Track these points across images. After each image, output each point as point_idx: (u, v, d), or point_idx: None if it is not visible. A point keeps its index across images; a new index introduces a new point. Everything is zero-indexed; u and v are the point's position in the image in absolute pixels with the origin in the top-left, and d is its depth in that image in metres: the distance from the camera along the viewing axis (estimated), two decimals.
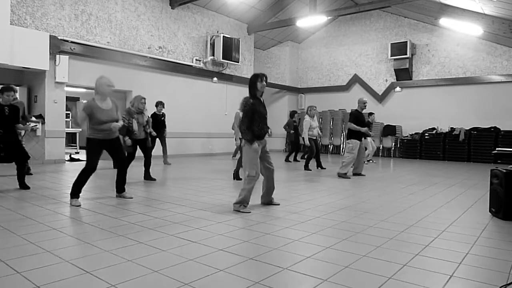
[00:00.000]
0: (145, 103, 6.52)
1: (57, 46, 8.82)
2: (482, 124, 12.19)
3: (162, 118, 9.05)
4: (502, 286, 2.23)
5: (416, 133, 13.38)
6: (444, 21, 11.15)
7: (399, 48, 13.47)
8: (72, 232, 3.27)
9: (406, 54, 13.31)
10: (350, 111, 8.07)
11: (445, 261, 2.69)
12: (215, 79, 12.95)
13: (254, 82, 4.37)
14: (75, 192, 4.49)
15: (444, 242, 3.16)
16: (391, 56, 13.68)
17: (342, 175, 7.37)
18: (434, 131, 12.97)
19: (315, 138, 8.90)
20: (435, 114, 13.22)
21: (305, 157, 9.65)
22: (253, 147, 4.25)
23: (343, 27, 15.51)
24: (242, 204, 4.24)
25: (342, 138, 14.97)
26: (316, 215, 4.13)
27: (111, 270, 2.42)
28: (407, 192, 5.77)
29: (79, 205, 4.37)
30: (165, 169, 8.54)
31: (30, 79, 9.42)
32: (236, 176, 6.91)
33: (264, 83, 4.39)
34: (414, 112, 13.68)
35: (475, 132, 12.08)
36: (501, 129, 11.72)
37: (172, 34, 11.66)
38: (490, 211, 4.25)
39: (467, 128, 12.31)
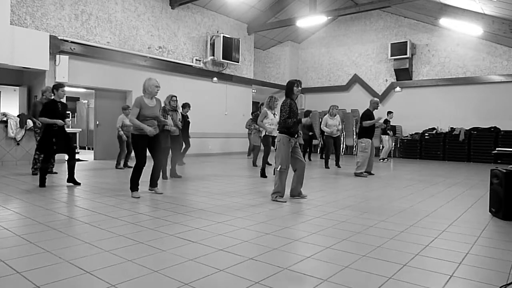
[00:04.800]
0: (176, 100, 6.99)
1: (57, 46, 8.81)
2: (482, 124, 12.19)
3: (188, 119, 9.21)
4: (502, 286, 2.23)
5: (416, 133, 13.38)
6: (444, 21, 11.15)
7: (399, 48, 13.47)
8: (72, 232, 3.27)
9: (406, 54, 13.31)
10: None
11: (445, 261, 2.69)
12: (215, 79, 12.95)
13: (291, 87, 4.90)
14: (133, 187, 4.95)
15: (444, 242, 3.16)
16: (391, 56, 13.69)
17: (359, 174, 7.66)
18: (434, 131, 12.97)
19: (333, 136, 9.41)
20: (435, 114, 13.22)
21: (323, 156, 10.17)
22: (286, 144, 4.80)
23: (343, 27, 15.51)
24: (278, 195, 4.84)
25: (342, 138, 14.97)
26: (316, 215, 4.13)
27: (111, 270, 2.42)
28: (407, 192, 5.77)
29: (138, 197, 4.84)
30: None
31: (30, 79, 9.42)
32: (262, 174, 7.32)
33: (300, 88, 4.94)
34: (414, 112, 13.67)
35: (475, 132, 12.08)
36: (501, 129, 11.72)
37: (172, 34, 11.66)
38: (490, 211, 4.25)
39: (467, 128, 12.31)
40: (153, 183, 5.24)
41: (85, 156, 11.10)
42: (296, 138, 4.96)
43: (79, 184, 5.85)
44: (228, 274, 2.39)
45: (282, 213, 4.20)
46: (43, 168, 5.65)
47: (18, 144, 8.51)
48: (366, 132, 7.76)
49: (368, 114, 7.82)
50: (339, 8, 13.05)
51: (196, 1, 11.48)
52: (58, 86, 5.73)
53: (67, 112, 5.83)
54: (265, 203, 4.70)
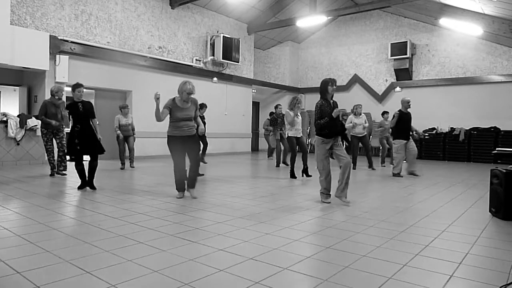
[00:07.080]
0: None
1: (57, 46, 8.81)
2: (482, 124, 12.18)
3: (204, 120, 9.20)
4: (502, 286, 2.23)
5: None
6: (444, 21, 11.15)
7: (399, 48, 13.46)
8: (72, 232, 3.27)
9: (406, 54, 13.30)
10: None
11: (445, 261, 2.69)
12: (215, 79, 12.94)
13: (325, 87, 4.75)
14: (179, 187, 4.98)
15: (444, 242, 3.16)
16: (391, 56, 13.67)
17: (396, 175, 7.65)
18: (434, 131, 12.97)
19: (360, 136, 9.14)
20: (435, 114, 13.21)
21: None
22: (322, 145, 4.72)
23: (343, 27, 15.50)
24: (325, 194, 4.82)
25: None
26: (316, 215, 4.13)
27: (111, 270, 2.42)
28: (407, 192, 5.77)
29: (182, 197, 4.92)
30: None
31: (30, 79, 9.42)
32: (292, 174, 7.11)
33: (334, 87, 4.77)
34: (414, 112, 13.51)
35: (475, 132, 12.08)
36: (501, 129, 11.71)
37: (172, 34, 11.66)
38: (490, 211, 4.25)
39: (467, 128, 12.30)
40: (191, 183, 4.99)
41: (85, 156, 11.07)
42: (333, 139, 4.71)
43: (94, 189, 5.46)
44: (228, 274, 2.39)
45: (281, 213, 4.20)
46: (77, 169, 5.51)
47: (18, 144, 8.51)
48: (400, 132, 7.60)
49: (399, 116, 7.66)
50: (339, 8, 13.05)
51: (196, 1, 11.47)
52: (74, 87, 5.45)
53: (91, 111, 5.47)
54: (264, 203, 4.70)
